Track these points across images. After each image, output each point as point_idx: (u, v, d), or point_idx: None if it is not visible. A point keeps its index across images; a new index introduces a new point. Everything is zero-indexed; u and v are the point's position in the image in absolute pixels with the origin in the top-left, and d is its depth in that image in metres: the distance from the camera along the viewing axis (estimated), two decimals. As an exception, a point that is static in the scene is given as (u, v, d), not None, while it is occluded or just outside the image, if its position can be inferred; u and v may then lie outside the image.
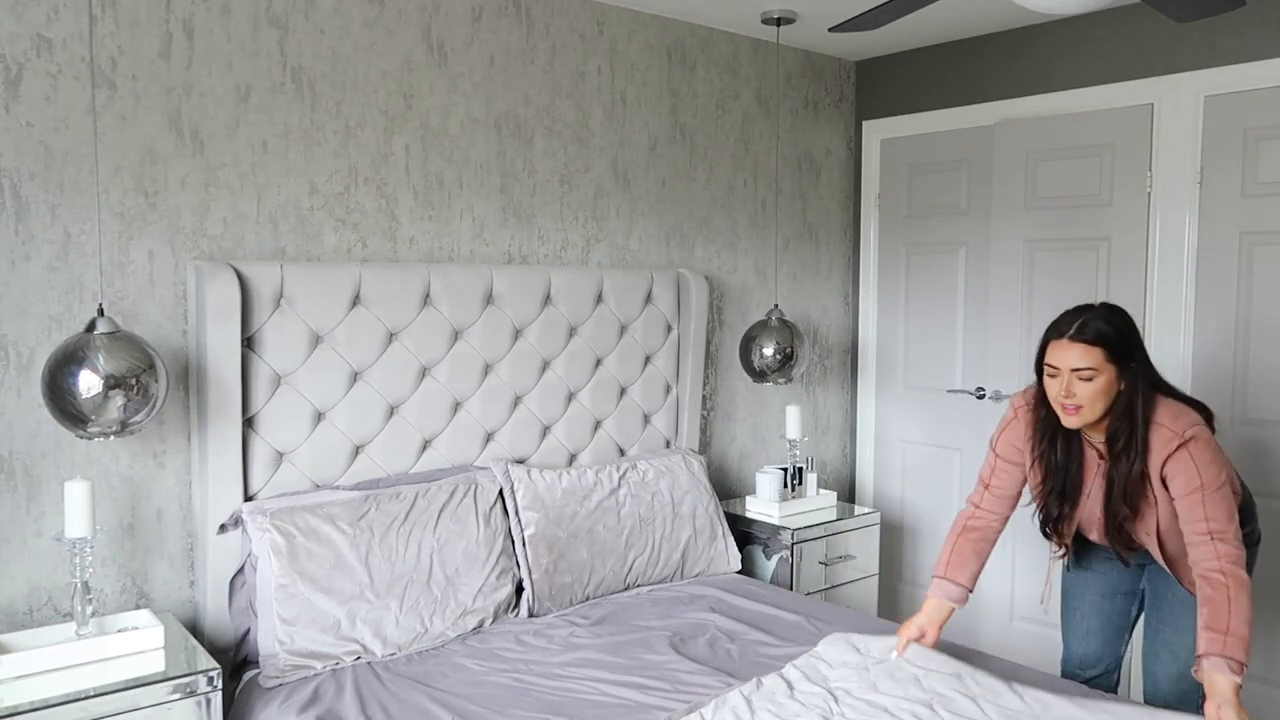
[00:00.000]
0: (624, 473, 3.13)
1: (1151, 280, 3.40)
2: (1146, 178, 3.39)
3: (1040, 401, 2.32)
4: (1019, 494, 2.45)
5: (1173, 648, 2.41)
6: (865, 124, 4.24)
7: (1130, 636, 2.62)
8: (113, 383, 2.12)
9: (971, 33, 3.81)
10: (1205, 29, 3.21)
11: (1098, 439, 2.30)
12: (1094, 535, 2.41)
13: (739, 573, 3.32)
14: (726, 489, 3.88)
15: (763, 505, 3.56)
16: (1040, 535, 2.49)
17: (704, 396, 3.77)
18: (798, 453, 3.69)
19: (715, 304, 3.80)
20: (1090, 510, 2.36)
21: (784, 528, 3.43)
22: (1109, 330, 2.16)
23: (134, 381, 2.15)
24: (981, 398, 3.88)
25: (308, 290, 2.66)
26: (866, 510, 3.73)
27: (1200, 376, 3.30)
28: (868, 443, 4.36)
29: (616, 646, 2.58)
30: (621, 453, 3.40)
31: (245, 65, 2.64)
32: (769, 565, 3.46)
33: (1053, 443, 2.32)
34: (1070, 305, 2.36)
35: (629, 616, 2.81)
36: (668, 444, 3.53)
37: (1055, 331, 2.22)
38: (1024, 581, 3.74)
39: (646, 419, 3.46)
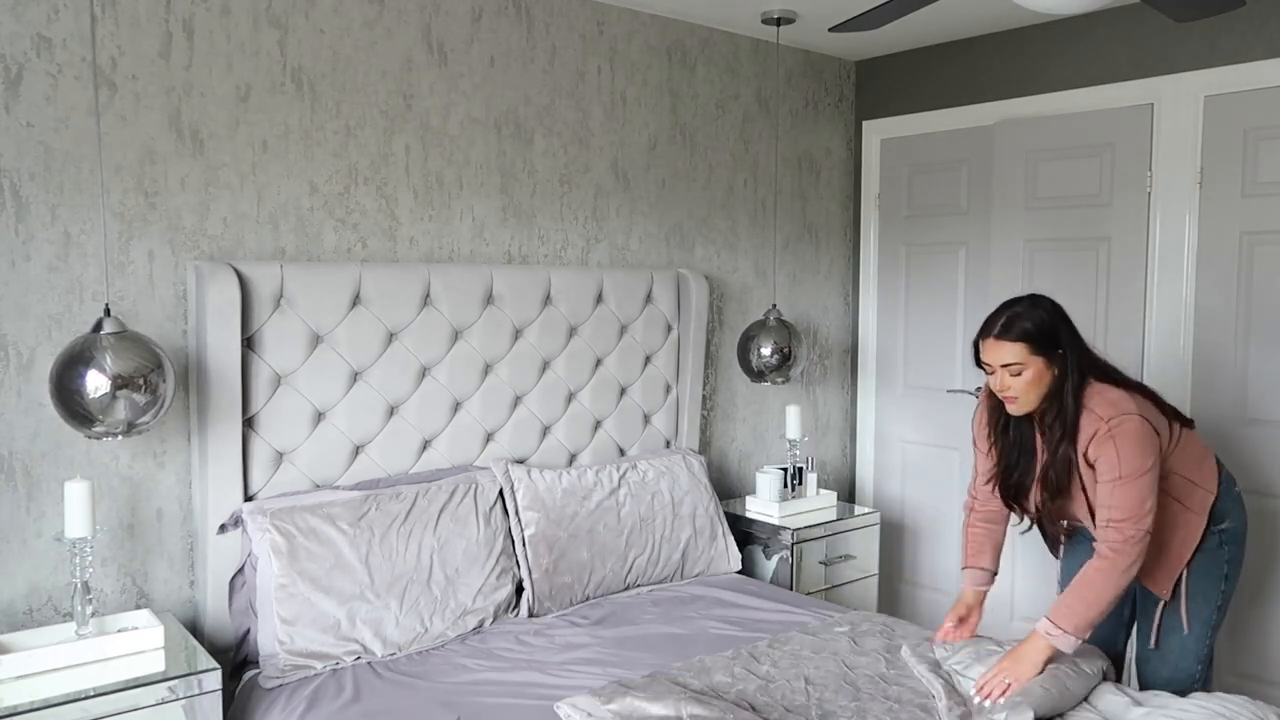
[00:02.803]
0: (624, 473, 3.13)
1: (1151, 280, 3.40)
2: (1146, 178, 3.39)
3: (990, 392, 2.43)
4: None
5: (1161, 652, 2.41)
6: (865, 124, 4.24)
7: (1127, 635, 2.62)
8: (120, 383, 2.13)
9: (971, 33, 3.81)
10: (1205, 29, 3.21)
11: (1040, 432, 2.37)
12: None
13: (739, 573, 3.32)
14: (726, 489, 3.88)
15: (763, 505, 3.56)
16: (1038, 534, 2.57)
17: (704, 396, 3.77)
18: (798, 453, 3.69)
19: (715, 304, 3.80)
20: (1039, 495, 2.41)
21: (784, 528, 3.43)
22: (1030, 326, 2.26)
23: (141, 381, 2.16)
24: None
25: (308, 290, 2.66)
26: (866, 510, 3.73)
27: (1200, 377, 3.30)
28: (868, 443, 4.35)
29: (617, 646, 2.58)
30: (621, 453, 3.40)
31: (245, 65, 2.64)
32: (769, 565, 3.46)
33: (1005, 428, 2.43)
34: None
35: (629, 616, 2.81)
36: (668, 444, 3.53)
37: (982, 331, 2.33)
38: (1024, 581, 3.74)
39: (646, 419, 3.46)
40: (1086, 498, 2.30)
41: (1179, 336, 3.34)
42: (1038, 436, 2.37)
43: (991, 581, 2.53)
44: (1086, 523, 2.35)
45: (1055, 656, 2.18)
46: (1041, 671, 2.16)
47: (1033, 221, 3.68)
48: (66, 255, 2.40)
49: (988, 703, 2.12)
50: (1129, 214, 3.43)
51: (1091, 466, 2.24)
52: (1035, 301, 2.31)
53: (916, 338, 4.16)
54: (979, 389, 3.86)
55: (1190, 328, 3.32)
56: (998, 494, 2.47)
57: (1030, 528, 2.53)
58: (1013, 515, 2.52)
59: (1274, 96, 3.10)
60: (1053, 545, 2.57)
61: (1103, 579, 2.16)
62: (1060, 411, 2.26)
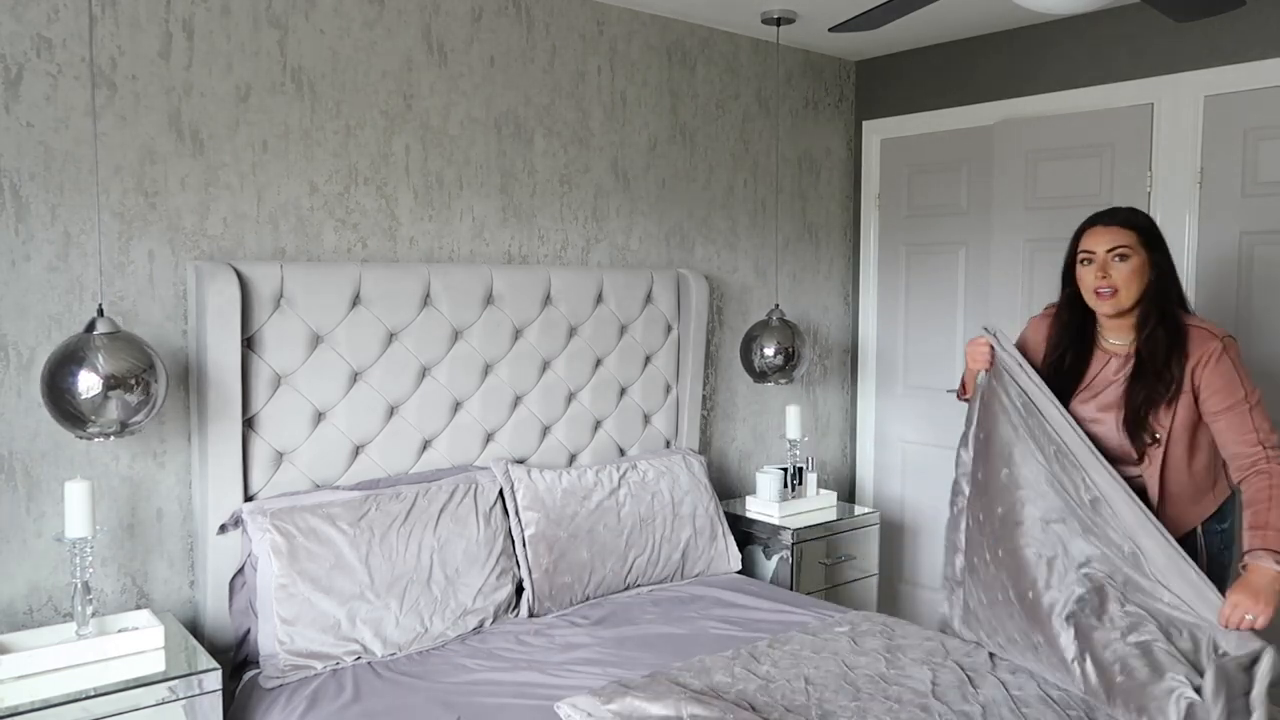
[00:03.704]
0: (624, 473, 3.13)
1: (1151, 280, 3.40)
2: (1146, 178, 3.39)
3: (1064, 305, 2.43)
4: None
5: None
6: (865, 124, 4.24)
7: None
8: (112, 383, 2.12)
9: (971, 33, 3.81)
10: (1205, 29, 3.21)
11: (1118, 340, 2.36)
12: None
13: (739, 573, 3.32)
14: (726, 489, 3.88)
15: (763, 505, 3.56)
16: None
17: (704, 396, 3.77)
18: (798, 453, 3.69)
19: (715, 304, 3.80)
20: (1095, 409, 2.37)
21: (784, 528, 3.43)
22: (1140, 219, 2.31)
23: (134, 382, 2.15)
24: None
25: (308, 290, 2.66)
26: (866, 510, 3.74)
27: (1200, 376, 3.30)
28: (868, 443, 4.35)
29: (617, 646, 2.58)
30: (621, 453, 3.40)
31: (245, 65, 2.64)
32: (769, 565, 3.46)
33: (1068, 347, 2.42)
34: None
35: (629, 616, 2.81)
36: (668, 444, 3.53)
37: (1089, 221, 2.35)
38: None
39: (646, 419, 3.46)
40: (1173, 420, 2.24)
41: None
42: (1094, 359, 2.38)
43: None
44: (1154, 451, 2.28)
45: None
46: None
47: (1033, 221, 3.68)
48: (66, 255, 2.40)
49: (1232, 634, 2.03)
50: (1129, 214, 3.43)
51: (1193, 395, 2.22)
52: (1137, 209, 2.36)
53: (916, 338, 4.16)
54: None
55: (1190, 328, 3.32)
56: None
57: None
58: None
59: (1274, 96, 3.10)
60: None
61: None
62: (1163, 319, 2.25)
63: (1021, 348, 2.55)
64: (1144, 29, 3.36)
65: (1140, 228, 2.29)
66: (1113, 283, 2.26)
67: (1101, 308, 2.32)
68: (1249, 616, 2.02)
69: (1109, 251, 2.26)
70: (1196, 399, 2.24)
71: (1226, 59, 3.19)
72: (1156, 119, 3.36)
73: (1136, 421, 2.29)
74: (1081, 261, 2.33)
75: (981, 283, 3.88)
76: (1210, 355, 2.20)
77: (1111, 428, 2.34)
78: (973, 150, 3.89)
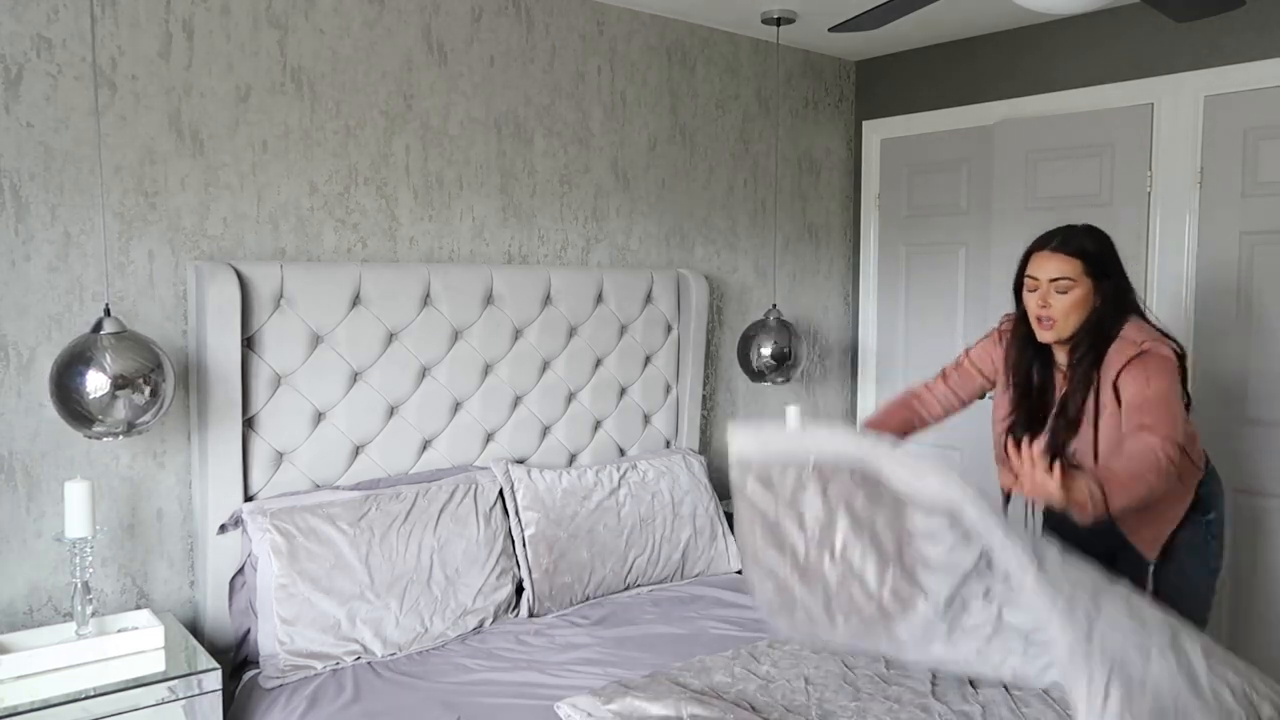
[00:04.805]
0: (624, 473, 3.13)
1: (1151, 280, 3.40)
2: (1146, 178, 3.39)
3: (1021, 319, 2.37)
4: (966, 401, 2.59)
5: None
6: (865, 124, 4.24)
7: None
8: (120, 383, 2.13)
9: (971, 33, 3.81)
10: (1205, 29, 3.21)
11: (1066, 360, 2.33)
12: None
13: (739, 573, 3.32)
14: (726, 489, 3.87)
15: (763, 505, 3.55)
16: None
17: (704, 396, 3.77)
18: (798, 453, 3.69)
19: (715, 304, 3.80)
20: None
21: (784, 528, 3.42)
22: (1090, 245, 2.24)
23: (141, 381, 2.16)
24: (981, 397, 3.87)
25: (308, 290, 2.66)
26: (866, 510, 3.73)
27: (1200, 377, 3.30)
28: (868, 443, 4.35)
29: (617, 646, 2.58)
30: (621, 453, 3.40)
31: (245, 65, 2.64)
32: (769, 565, 3.46)
33: (1030, 365, 2.37)
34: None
35: (629, 616, 2.81)
36: (668, 444, 3.53)
37: (1037, 244, 2.29)
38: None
39: (646, 419, 3.46)
40: (1096, 434, 2.22)
41: (1178, 336, 3.33)
42: (1057, 385, 2.33)
43: None
44: (1086, 464, 2.25)
45: (1060, 502, 1.92)
46: (1049, 501, 1.91)
47: (1033, 221, 3.66)
48: (66, 255, 2.40)
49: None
50: (1129, 214, 3.43)
51: (1118, 400, 2.18)
52: (1092, 229, 2.29)
53: (916, 338, 4.15)
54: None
55: (1190, 327, 3.32)
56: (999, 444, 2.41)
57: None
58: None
59: (1274, 96, 3.10)
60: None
61: (1148, 474, 1.98)
62: (1095, 342, 2.22)
63: (980, 354, 2.54)
64: (1144, 29, 3.36)
65: (1088, 255, 2.23)
66: (1052, 314, 2.23)
67: (1041, 336, 2.29)
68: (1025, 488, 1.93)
69: (1051, 281, 2.23)
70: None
71: (1226, 59, 3.19)
72: (1156, 119, 3.36)
73: (1057, 452, 2.26)
74: (1027, 288, 2.30)
75: (981, 283, 3.88)
76: (1127, 364, 2.17)
77: (1085, 453, 2.31)
78: (973, 150, 3.89)
